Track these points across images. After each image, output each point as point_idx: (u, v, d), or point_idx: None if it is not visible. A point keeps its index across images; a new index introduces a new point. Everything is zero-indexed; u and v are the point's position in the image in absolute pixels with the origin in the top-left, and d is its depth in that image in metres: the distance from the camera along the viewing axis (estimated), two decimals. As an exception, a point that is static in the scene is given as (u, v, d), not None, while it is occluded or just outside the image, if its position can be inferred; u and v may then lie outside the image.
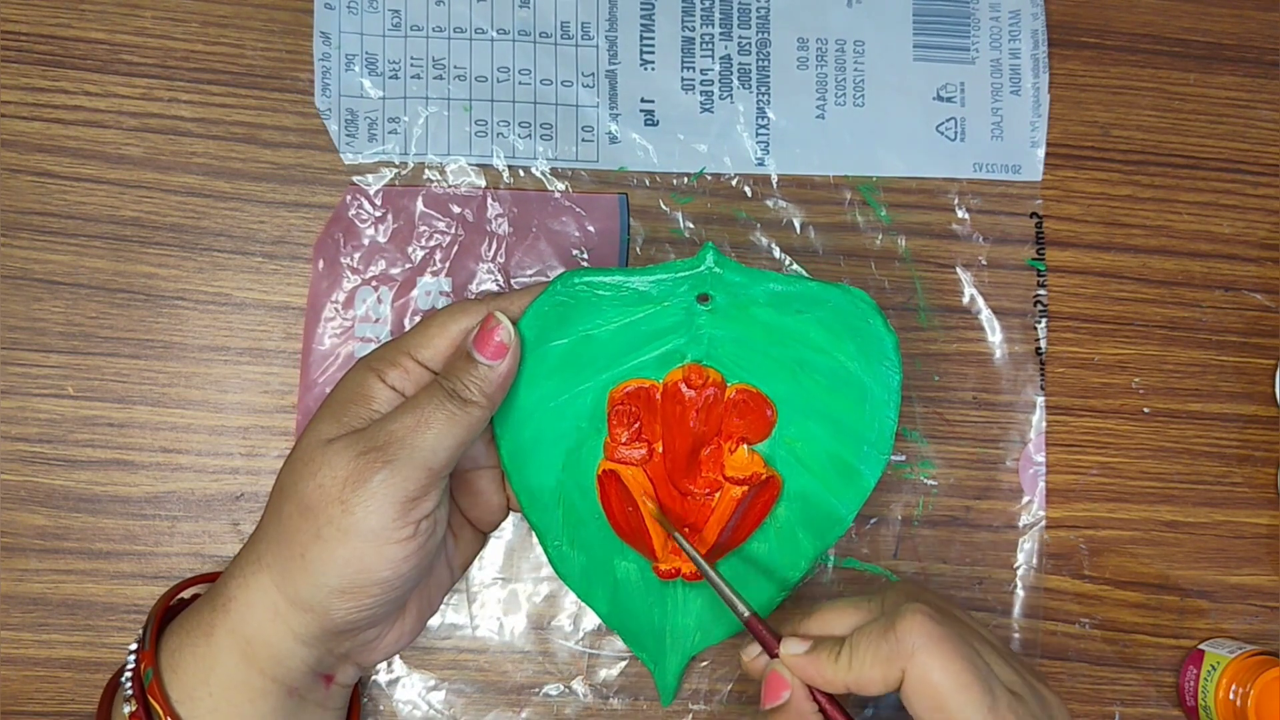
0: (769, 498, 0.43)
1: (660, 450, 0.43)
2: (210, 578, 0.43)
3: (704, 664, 0.48)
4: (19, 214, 0.46)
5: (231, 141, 0.47)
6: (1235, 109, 0.52)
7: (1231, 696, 0.46)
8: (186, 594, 0.42)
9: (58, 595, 0.46)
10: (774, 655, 0.38)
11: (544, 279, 0.47)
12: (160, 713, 0.37)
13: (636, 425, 0.42)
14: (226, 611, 0.38)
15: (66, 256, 0.46)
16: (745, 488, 0.43)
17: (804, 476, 0.43)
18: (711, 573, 0.40)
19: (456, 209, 0.48)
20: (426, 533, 0.37)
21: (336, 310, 0.47)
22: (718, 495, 0.43)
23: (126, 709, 0.37)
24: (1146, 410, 0.51)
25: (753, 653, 0.39)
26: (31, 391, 0.46)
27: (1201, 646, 0.49)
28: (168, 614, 0.40)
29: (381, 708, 0.46)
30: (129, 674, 0.38)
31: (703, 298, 0.41)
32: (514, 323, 0.39)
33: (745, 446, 0.43)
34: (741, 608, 0.39)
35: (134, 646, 0.39)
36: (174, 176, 0.47)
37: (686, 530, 0.43)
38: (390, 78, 0.48)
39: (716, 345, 0.42)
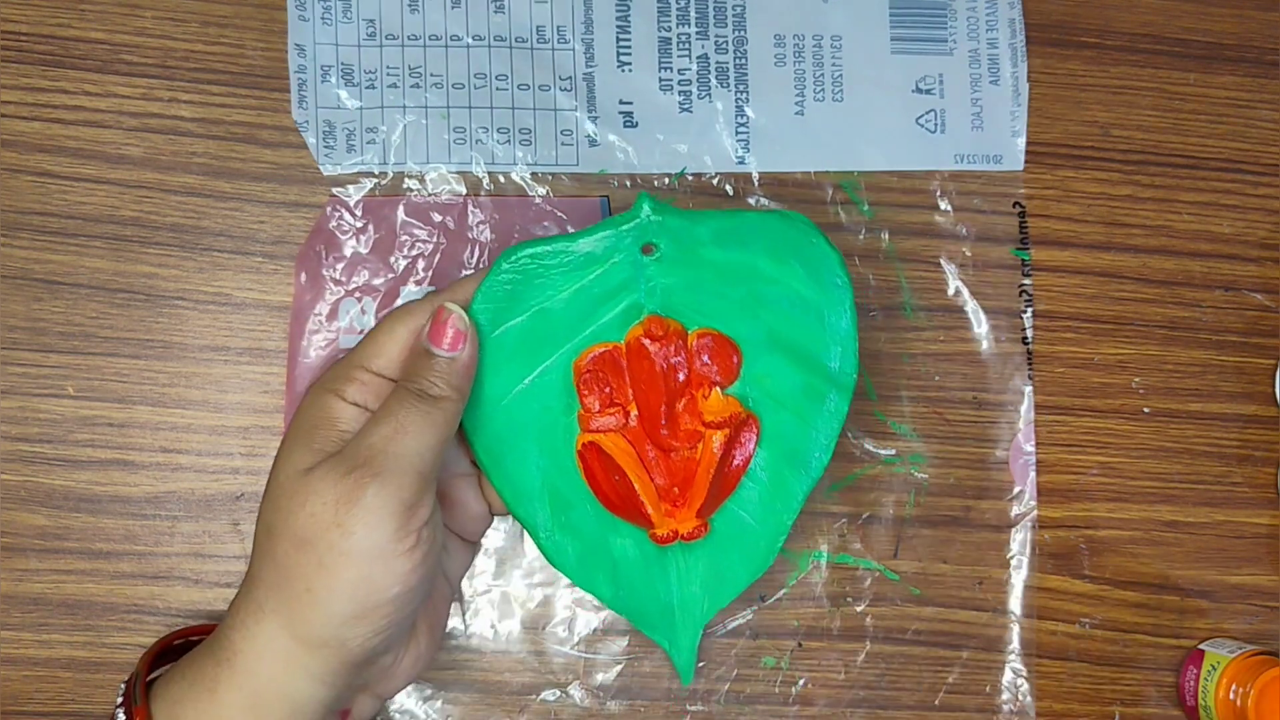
0: (751, 437, 0.43)
1: (635, 412, 0.42)
2: (202, 630, 0.42)
3: (702, 664, 0.48)
4: (19, 214, 0.46)
5: (231, 141, 0.47)
6: (1235, 109, 0.52)
7: (1231, 696, 0.46)
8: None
9: (58, 595, 0.46)
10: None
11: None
12: None
13: (607, 390, 0.42)
14: (232, 666, 0.36)
15: (66, 256, 0.46)
16: (726, 430, 0.42)
17: (780, 412, 0.43)
18: None
19: (438, 217, 0.48)
20: (428, 541, 0.37)
21: (320, 323, 0.47)
22: (700, 446, 0.42)
23: None
24: (1146, 410, 0.51)
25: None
26: (31, 391, 0.46)
27: (1201, 646, 0.49)
28: (161, 656, 0.40)
29: (378, 717, 0.46)
30: None
31: (647, 248, 0.41)
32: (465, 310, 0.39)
33: (718, 390, 0.42)
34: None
35: (120, 701, 0.37)
36: (174, 176, 0.47)
37: (676, 491, 0.42)
38: (367, 88, 0.48)
39: (670, 294, 0.42)
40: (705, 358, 0.42)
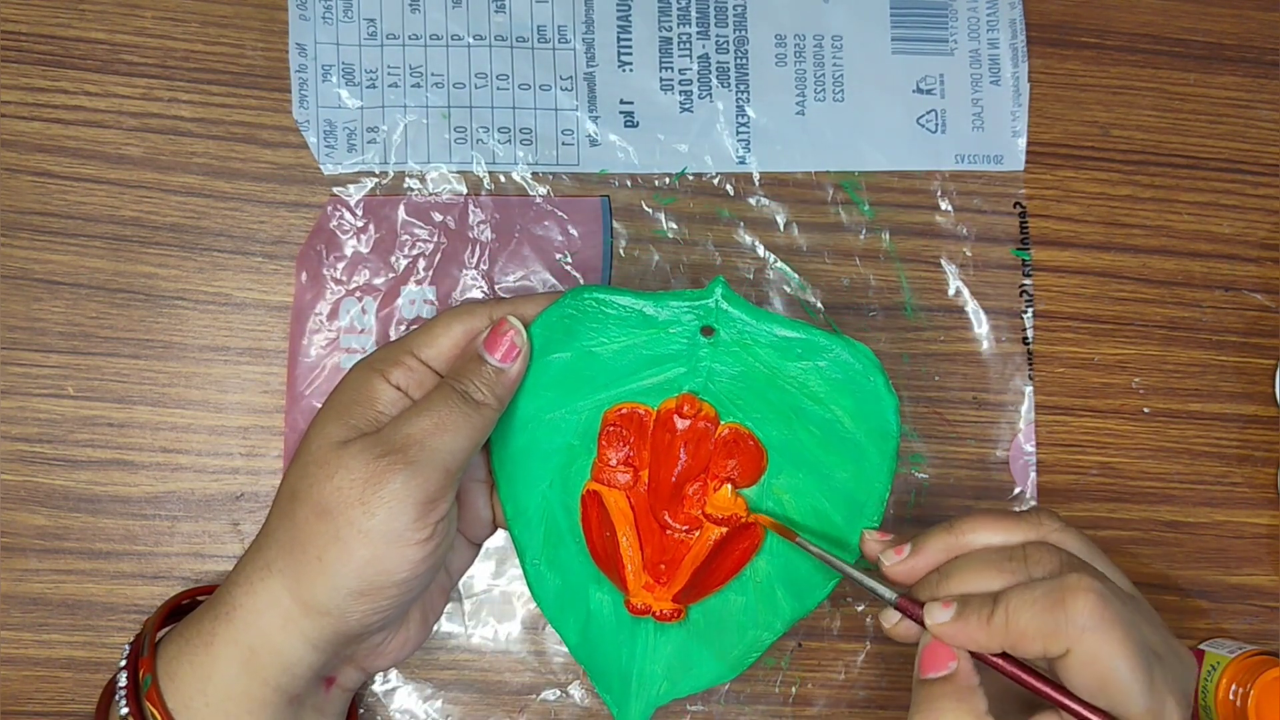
0: (749, 545, 0.42)
1: (646, 478, 0.42)
2: (208, 589, 0.43)
3: (703, 664, 0.48)
4: (19, 214, 0.46)
5: (231, 141, 0.47)
6: (1235, 109, 0.52)
7: (1231, 696, 0.46)
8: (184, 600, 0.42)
9: (58, 595, 0.46)
10: (922, 623, 0.36)
11: (558, 289, 0.47)
12: (158, 718, 0.37)
13: (626, 449, 0.42)
14: (230, 620, 0.37)
15: (66, 256, 0.46)
16: (723, 528, 0.42)
17: None
18: (841, 564, 0.39)
19: (438, 216, 0.48)
20: (441, 534, 0.37)
21: (321, 322, 0.47)
22: (697, 534, 0.42)
23: (124, 709, 0.37)
24: (1146, 410, 0.51)
25: (893, 618, 0.38)
26: (31, 391, 0.46)
27: (1201, 646, 0.49)
28: (165, 621, 0.40)
29: (379, 717, 0.46)
30: (122, 686, 0.38)
31: (707, 330, 0.41)
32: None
33: (730, 486, 0.42)
34: (886, 591, 0.38)
35: (123, 662, 0.39)
36: (174, 176, 0.47)
37: (662, 568, 0.42)
38: (368, 87, 0.48)
39: (715, 379, 0.42)
40: (731, 452, 0.42)
